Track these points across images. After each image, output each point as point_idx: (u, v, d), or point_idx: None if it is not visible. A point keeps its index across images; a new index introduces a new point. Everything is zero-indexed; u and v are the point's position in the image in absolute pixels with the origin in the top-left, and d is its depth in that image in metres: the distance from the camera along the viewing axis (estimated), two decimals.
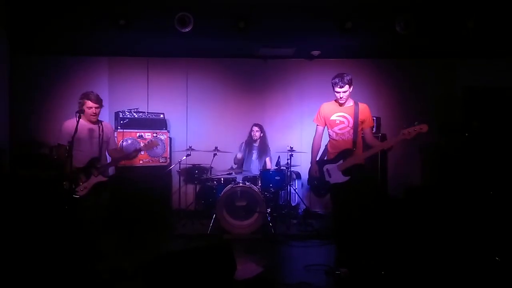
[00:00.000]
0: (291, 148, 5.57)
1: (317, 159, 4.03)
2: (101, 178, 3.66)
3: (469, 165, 5.53)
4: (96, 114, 3.69)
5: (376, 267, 3.67)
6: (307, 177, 4.13)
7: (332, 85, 3.76)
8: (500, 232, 4.22)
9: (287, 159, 5.61)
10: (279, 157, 5.74)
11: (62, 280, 3.40)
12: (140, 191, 5.53)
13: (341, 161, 3.75)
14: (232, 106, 6.69)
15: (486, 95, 5.99)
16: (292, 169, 5.75)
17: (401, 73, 6.67)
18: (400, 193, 5.80)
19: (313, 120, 4.01)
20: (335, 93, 3.77)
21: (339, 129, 3.80)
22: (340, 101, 3.80)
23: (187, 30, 4.65)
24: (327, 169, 3.84)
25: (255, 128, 5.99)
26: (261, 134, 6.01)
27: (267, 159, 6.03)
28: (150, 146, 4.20)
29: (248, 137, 6.08)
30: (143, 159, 5.65)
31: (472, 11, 4.53)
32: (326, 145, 4.06)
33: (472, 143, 5.61)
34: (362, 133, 3.87)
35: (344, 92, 3.71)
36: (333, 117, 3.83)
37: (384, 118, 6.12)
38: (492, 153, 5.45)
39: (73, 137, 3.27)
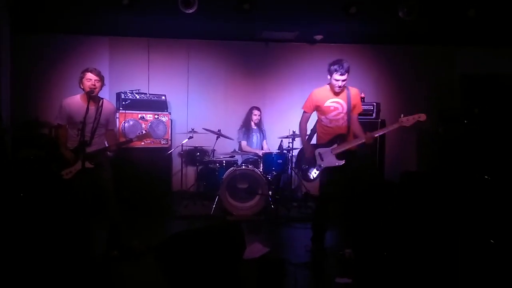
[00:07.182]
0: (293, 132, 5.62)
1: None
2: (87, 165, 3.36)
3: (467, 153, 5.62)
4: (96, 87, 3.43)
5: (379, 248, 3.79)
6: (295, 160, 4.13)
7: (331, 71, 3.65)
8: (496, 217, 4.34)
9: (289, 143, 5.67)
10: (281, 140, 5.79)
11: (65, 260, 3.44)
12: (141, 173, 5.55)
13: (335, 145, 3.73)
14: (233, 88, 6.69)
15: (484, 82, 6.05)
16: (293, 153, 5.81)
17: (403, 59, 6.71)
18: (396, 178, 5.90)
19: (302, 107, 3.93)
20: (334, 80, 3.66)
21: (334, 116, 3.76)
22: (336, 90, 3.70)
23: (191, 11, 4.60)
24: (319, 152, 3.81)
25: (257, 112, 6.02)
26: (260, 118, 6.08)
27: (264, 142, 6.11)
28: (142, 138, 3.90)
29: (245, 121, 6.11)
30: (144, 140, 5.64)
31: None
32: (311, 130, 4.09)
33: (471, 131, 5.69)
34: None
35: (344, 80, 3.63)
36: (327, 104, 3.76)
37: (384, 103, 6.17)
38: (492, 140, 5.53)
39: (84, 117, 3.25)
